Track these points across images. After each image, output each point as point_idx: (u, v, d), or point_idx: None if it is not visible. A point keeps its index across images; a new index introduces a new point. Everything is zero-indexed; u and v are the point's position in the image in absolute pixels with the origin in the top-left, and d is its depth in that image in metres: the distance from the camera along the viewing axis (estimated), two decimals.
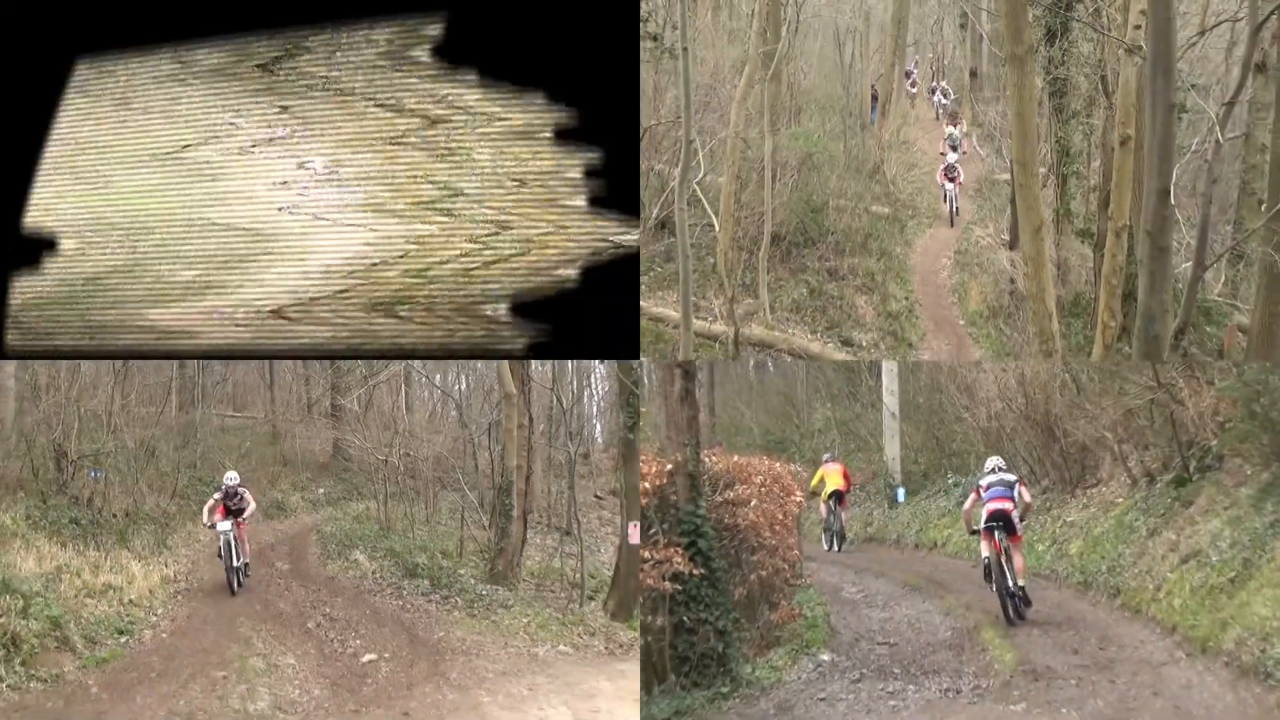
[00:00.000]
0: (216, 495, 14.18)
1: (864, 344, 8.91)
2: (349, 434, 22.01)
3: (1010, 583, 11.02)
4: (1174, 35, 6.91)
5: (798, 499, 12.36)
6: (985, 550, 11.31)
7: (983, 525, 11.29)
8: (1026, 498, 11.58)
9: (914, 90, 13.33)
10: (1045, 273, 8.30)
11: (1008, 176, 9.29)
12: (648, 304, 9.43)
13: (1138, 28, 7.98)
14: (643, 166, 8.88)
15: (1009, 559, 11.07)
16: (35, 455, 15.13)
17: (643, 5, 8.45)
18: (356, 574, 15.37)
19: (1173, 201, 7.06)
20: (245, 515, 14.19)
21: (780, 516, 11.37)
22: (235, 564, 13.85)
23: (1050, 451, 14.92)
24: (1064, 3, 9.15)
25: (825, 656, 10.28)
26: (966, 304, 10.63)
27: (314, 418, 25.34)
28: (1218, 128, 7.77)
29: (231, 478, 14.32)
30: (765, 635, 10.67)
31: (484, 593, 13.99)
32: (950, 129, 12.22)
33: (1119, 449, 13.25)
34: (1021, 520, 11.34)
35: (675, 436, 9.61)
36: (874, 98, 12.57)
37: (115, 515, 15.26)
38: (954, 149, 12.00)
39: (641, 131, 8.15)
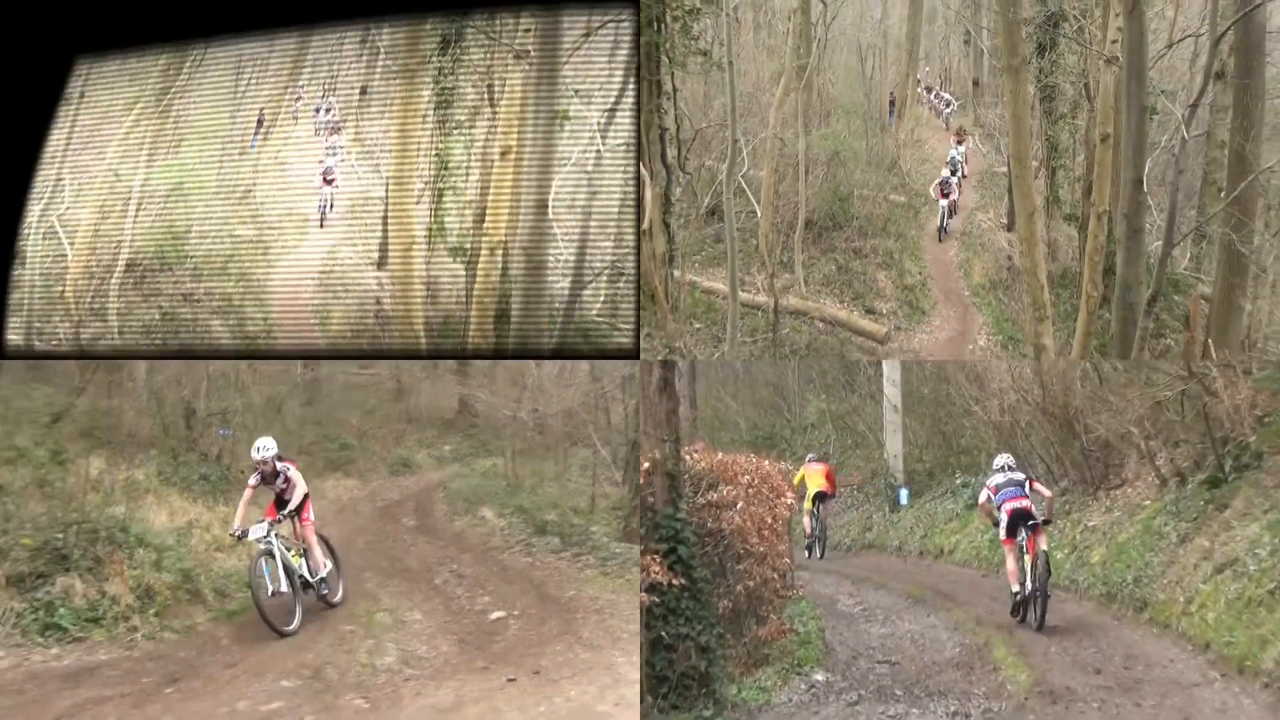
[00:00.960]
0: (252, 481, 11.28)
1: (884, 312, 11.41)
2: (476, 389, 22.97)
3: (1045, 586, 11.40)
4: (1146, 48, 9.04)
5: (789, 501, 12.30)
6: (1012, 559, 11.79)
7: (1004, 531, 11.82)
8: (1046, 493, 12.17)
9: (936, 101, 16.00)
10: (1038, 250, 10.43)
11: (1005, 169, 11.69)
12: (700, 279, 11.61)
13: (1115, 42, 9.90)
14: (694, 163, 11.40)
15: (1037, 557, 11.52)
16: (165, 413, 16.52)
17: (694, 25, 10.59)
18: (484, 530, 16.16)
19: (1145, 189, 9.10)
20: (293, 503, 11.29)
21: (769, 520, 11.32)
22: (288, 584, 10.92)
23: (1070, 449, 14.90)
24: (1052, 21, 11.25)
25: (819, 676, 10.27)
26: (971, 277, 12.78)
27: (440, 373, 26.16)
28: (1183, 127, 9.47)
29: (265, 447, 11.29)
30: (752, 652, 10.63)
31: (618, 551, 14.20)
32: (954, 151, 14.01)
33: (1146, 446, 13.23)
34: (1048, 522, 11.95)
35: (652, 432, 9.55)
36: (891, 103, 15.14)
37: (243, 471, 15.90)
38: (953, 172, 13.74)
39: (694, 133, 10.99)
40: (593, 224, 9.31)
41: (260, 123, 10.06)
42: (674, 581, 9.20)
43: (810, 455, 18.60)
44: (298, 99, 10.11)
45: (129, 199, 10.15)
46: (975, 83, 15.05)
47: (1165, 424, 12.89)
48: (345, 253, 9.94)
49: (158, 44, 9.85)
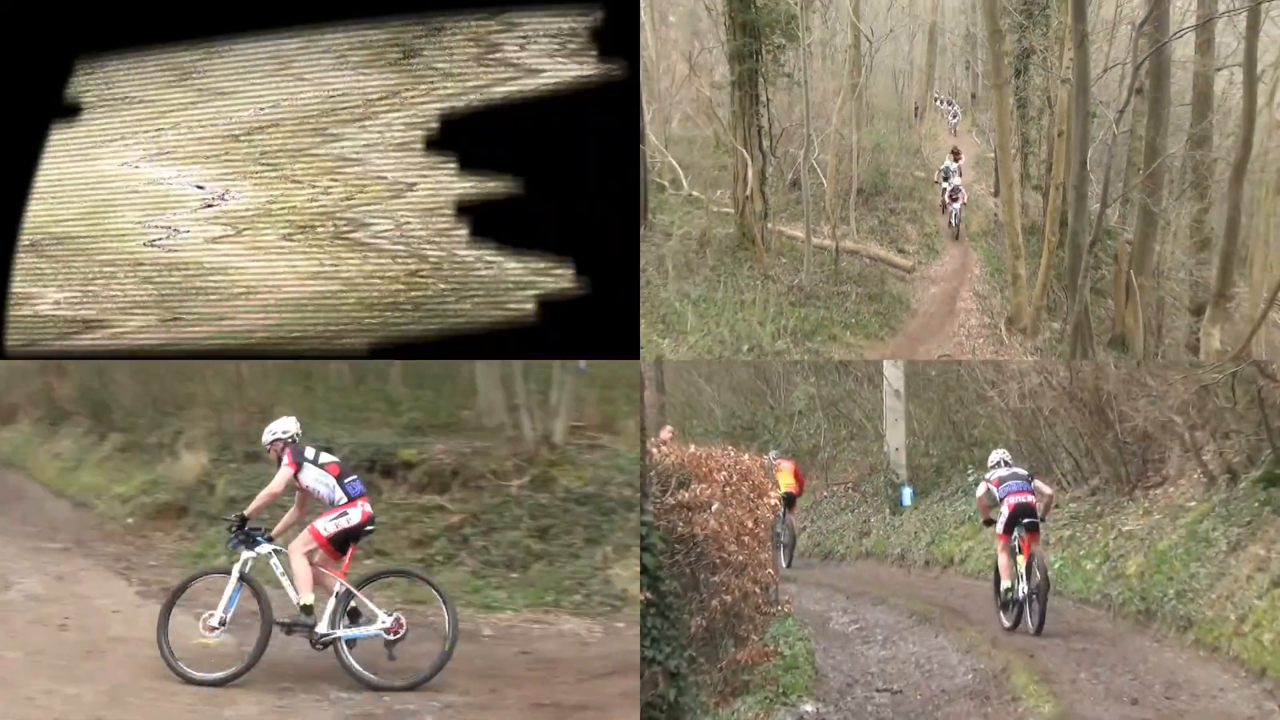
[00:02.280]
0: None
1: (910, 251, 16.71)
2: None
3: (1045, 587, 12.28)
4: (1088, 72, 13.87)
5: (772, 502, 12.24)
6: (1004, 556, 12.82)
7: (1002, 526, 12.77)
8: (1047, 490, 13.16)
9: (946, 109, 22.03)
10: (1015, 210, 15.43)
11: (993, 155, 17.67)
12: (785, 229, 16.27)
13: (1068, 67, 14.72)
14: (781, 150, 16.71)
15: (1033, 559, 12.41)
16: None
17: (781, 57, 15.86)
18: None
19: (1087, 169, 13.96)
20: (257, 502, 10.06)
21: (750, 525, 11.21)
22: (261, 616, 9.78)
23: (1102, 440, 14.90)
24: (1025, 54, 16.61)
25: (808, 707, 10.23)
26: (970, 228, 17.68)
27: None
28: (1114, 126, 14.74)
29: (269, 431, 10.31)
30: (730, 679, 10.56)
31: None
32: (951, 162, 18.54)
33: (1191, 437, 13.25)
34: (1043, 519, 12.89)
35: None
36: (916, 110, 21.79)
37: None
38: (948, 183, 18.57)
39: (780, 130, 16.28)
40: (1110, 173, 14.72)
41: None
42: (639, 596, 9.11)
43: (774, 451, 18.69)
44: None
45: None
46: (973, 96, 21.42)
47: (1213, 412, 12.89)
48: (976, 188, 17.38)
49: (162, 43, 10.87)
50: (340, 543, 9.82)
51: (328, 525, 9.81)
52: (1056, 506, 14.13)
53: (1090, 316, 13.43)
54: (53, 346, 10.95)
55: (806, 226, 15.42)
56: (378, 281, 10.40)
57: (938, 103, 22.75)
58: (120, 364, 18.39)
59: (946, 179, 18.00)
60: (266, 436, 10.19)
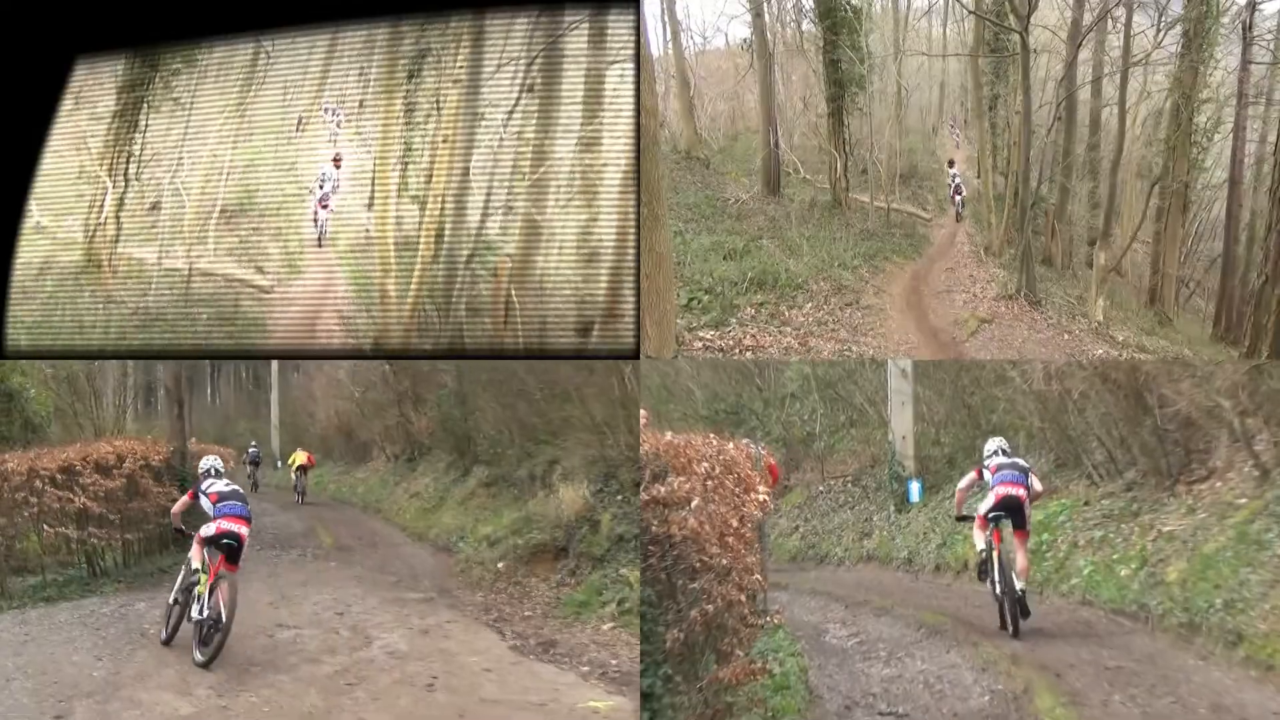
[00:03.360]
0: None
1: (930, 209, 24.02)
2: None
3: (1013, 584, 13.19)
4: (1031, 107, 20.91)
5: (761, 498, 12.09)
6: (980, 540, 13.84)
7: (983, 508, 13.75)
8: (1038, 486, 14.11)
9: (953, 130, 28.49)
10: (989, 187, 22.91)
11: (977, 156, 24.98)
12: (858, 196, 23.83)
13: (1020, 104, 21.48)
14: (856, 153, 24.62)
15: (1011, 556, 13.41)
16: None
17: (856, 98, 24.24)
18: None
19: (1030, 162, 21.07)
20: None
21: (735, 524, 11.07)
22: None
23: (1139, 428, 14.84)
24: (995, 97, 23.93)
25: None
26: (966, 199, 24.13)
27: None
28: (1045, 138, 21.87)
29: (204, 465, 14.10)
30: (711, 700, 10.43)
31: None
32: (949, 169, 25.33)
33: (1241, 424, 13.20)
34: (1032, 500, 13.96)
35: None
36: (934, 129, 27.70)
37: None
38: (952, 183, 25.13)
39: (856, 141, 24.19)
40: (1042, 165, 22.00)
41: (300, 122, 13.56)
42: None
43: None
44: (323, 107, 13.37)
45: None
46: (965, 121, 28.10)
47: (1267, 395, 12.87)
48: (966, 172, 23.89)
49: (161, 43, 12.57)
50: (210, 547, 13.01)
51: (201, 532, 13.18)
52: (1083, 503, 14.29)
53: (1031, 246, 20.48)
54: (52, 346, 12.96)
55: (870, 195, 23.53)
56: (378, 281, 12.32)
57: (947, 125, 29.90)
58: (483, 391, 21.10)
59: (951, 181, 24.71)
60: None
